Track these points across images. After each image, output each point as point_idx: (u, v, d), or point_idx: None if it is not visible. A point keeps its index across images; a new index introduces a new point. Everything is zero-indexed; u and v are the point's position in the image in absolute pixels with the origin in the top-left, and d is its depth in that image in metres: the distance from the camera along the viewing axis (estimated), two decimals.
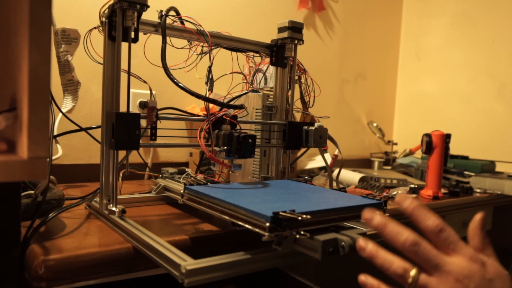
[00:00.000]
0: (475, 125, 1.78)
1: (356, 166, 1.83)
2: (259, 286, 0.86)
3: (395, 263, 0.45)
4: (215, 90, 0.78)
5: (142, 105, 1.18)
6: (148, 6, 0.64)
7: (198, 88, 0.69)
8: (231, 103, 0.85)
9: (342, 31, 1.80)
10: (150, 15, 0.69)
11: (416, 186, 1.18)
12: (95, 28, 0.71)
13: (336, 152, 1.06)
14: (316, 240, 0.51)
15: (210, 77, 0.75)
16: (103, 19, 0.65)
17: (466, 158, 1.60)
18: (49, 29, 0.41)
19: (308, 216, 0.50)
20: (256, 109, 0.90)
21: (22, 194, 0.61)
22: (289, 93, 0.88)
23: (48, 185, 0.62)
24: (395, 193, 1.09)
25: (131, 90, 0.66)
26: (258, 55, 0.89)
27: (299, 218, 0.49)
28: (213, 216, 0.63)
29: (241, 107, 0.75)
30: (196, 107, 1.26)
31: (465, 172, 1.40)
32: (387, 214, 0.63)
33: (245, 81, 0.93)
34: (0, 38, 0.51)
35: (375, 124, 1.90)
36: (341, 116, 1.86)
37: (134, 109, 1.19)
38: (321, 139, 0.85)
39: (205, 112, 0.73)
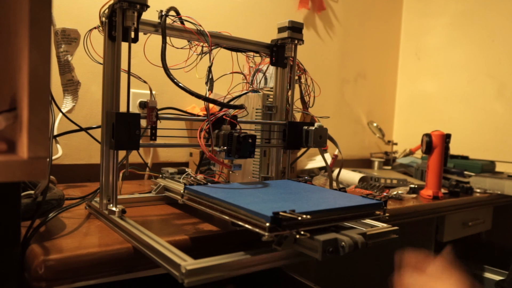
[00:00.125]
0: (475, 125, 1.78)
1: (356, 166, 1.83)
2: (259, 286, 0.86)
3: None
4: (215, 90, 0.78)
5: (142, 105, 1.18)
6: (148, 6, 0.64)
7: (198, 88, 0.69)
8: (231, 103, 0.85)
9: (342, 31, 1.80)
10: (150, 15, 0.69)
11: (416, 186, 1.18)
12: (95, 28, 0.71)
13: (336, 152, 1.06)
14: (316, 240, 0.51)
15: (210, 77, 0.75)
16: (103, 19, 0.65)
17: (466, 158, 1.60)
18: (49, 29, 0.41)
19: (308, 216, 0.50)
20: (256, 109, 0.90)
21: (22, 194, 0.61)
22: (289, 93, 0.88)
23: (48, 185, 0.62)
24: (395, 193, 1.09)
25: (131, 90, 0.66)
26: (258, 55, 0.89)
27: (299, 218, 0.49)
28: (213, 216, 0.63)
29: (241, 107, 0.75)
30: (196, 107, 1.26)
31: (465, 172, 1.40)
32: (387, 215, 0.63)
33: (245, 81, 0.93)
34: (0, 38, 0.51)
35: (375, 124, 1.90)
36: (341, 116, 1.86)
37: (134, 109, 1.19)
38: (321, 139, 0.85)
39: (205, 112, 0.73)
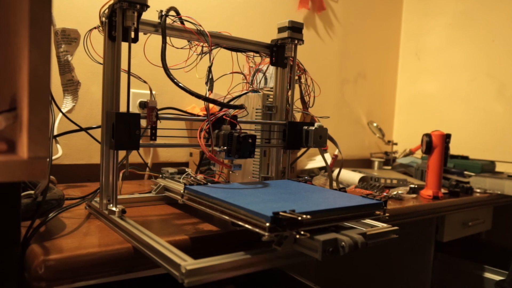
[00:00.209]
0: (475, 125, 1.78)
1: (356, 166, 1.83)
2: (259, 286, 0.86)
3: None
4: (215, 90, 0.78)
5: (142, 105, 1.18)
6: (148, 6, 0.64)
7: (198, 88, 0.69)
8: (231, 103, 0.85)
9: (342, 31, 1.80)
10: (150, 15, 0.69)
11: (416, 186, 1.18)
12: (95, 28, 0.71)
13: (336, 152, 1.06)
14: (316, 240, 0.51)
15: (210, 77, 0.75)
16: (103, 19, 0.65)
17: (466, 158, 1.60)
18: (49, 29, 0.41)
19: (308, 216, 0.50)
20: (256, 109, 0.90)
21: (22, 194, 0.61)
22: (289, 93, 0.88)
23: (48, 185, 0.62)
24: (395, 193, 1.09)
25: (131, 90, 0.67)
26: (258, 55, 0.89)
27: (299, 218, 0.49)
28: (213, 216, 0.63)
29: (241, 107, 0.75)
30: (196, 107, 1.26)
31: (465, 172, 1.40)
32: (387, 215, 0.63)
33: (245, 81, 0.93)
34: (0, 38, 0.51)
35: (375, 124, 1.90)
36: (341, 116, 1.86)
37: (134, 109, 1.19)
38: (321, 139, 0.85)
39: (205, 112, 0.73)
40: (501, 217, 1.54)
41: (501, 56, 1.71)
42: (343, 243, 0.52)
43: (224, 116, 0.74)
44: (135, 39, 0.66)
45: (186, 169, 0.87)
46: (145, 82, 0.74)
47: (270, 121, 0.89)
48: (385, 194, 1.07)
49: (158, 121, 0.68)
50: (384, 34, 2.02)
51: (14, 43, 0.45)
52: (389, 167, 1.77)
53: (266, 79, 0.96)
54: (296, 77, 0.90)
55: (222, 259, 0.48)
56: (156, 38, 0.71)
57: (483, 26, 1.77)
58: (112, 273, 0.55)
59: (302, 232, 0.51)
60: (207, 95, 0.73)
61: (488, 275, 1.34)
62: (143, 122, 0.68)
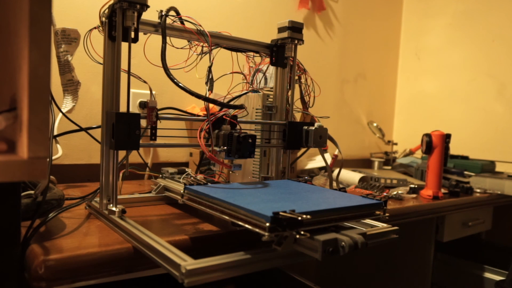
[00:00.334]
0: (475, 125, 1.78)
1: (356, 166, 1.83)
2: (259, 286, 0.86)
3: None
4: (215, 90, 0.78)
5: (142, 105, 1.18)
6: (148, 6, 0.64)
7: (198, 88, 0.69)
8: (231, 103, 0.85)
9: (342, 31, 1.80)
10: (150, 15, 0.69)
11: (416, 186, 1.18)
12: (95, 28, 0.71)
13: (336, 152, 1.06)
14: (316, 240, 0.51)
15: (210, 77, 0.75)
16: (103, 19, 0.65)
17: (466, 158, 1.60)
18: (49, 29, 0.41)
19: (308, 216, 0.50)
20: (256, 109, 0.90)
21: (22, 194, 0.61)
22: (289, 93, 0.88)
23: (48, 185, 0.62)
24: (395, 193, 1.09)
25: (131, 90, 0.67)
26: (258, 55, 0.89)
27: (299, 218, 0.49)
28: (213, 216, 0.63)
29: (241, 107, 0.75)
30: (196, 107, 1.26)
31: (465, 172, 1.40)
32: (387, 215, 0.63)
33: (245, 81, 0.93)
34: (0, 38, 0.51)
35: (375, 124, 1.90)
36: (341, 116, 1.86)
37: (134, 109, 1.19)
38: (321, 139, 0.85)
39: (205, 112, 0.73)
40: (501, 217, 1.54)
41: (501, 56, 1.71)
42: (343, 243, 0.52)
43: (224, 116, 0.74)
44: (135, 39, 0.66)
45: (186, 169, 0.87)
46: (145, 82, 0.74)
47: (270, 121, 0.89)
48: (385, 194, 1.07)
49: (158, 121, 0.68)
50: (384, 34, 2.02)
51: (14, 43, 0.45)
52: (389, 167, 1.77)
53: (266, 79, 0.96)
54: (296, 77, 0.90)
55: (222, 259, 0.48)
56: (156, 38, 0.71)
57: (483, 26, 1.77)
58: (112, 273, 0.55)
59: (302, 232, 0.51)
60: (207, 95, 0.73)
61: (488, 275, 1.34)
62: (143, 122, 0.68)
